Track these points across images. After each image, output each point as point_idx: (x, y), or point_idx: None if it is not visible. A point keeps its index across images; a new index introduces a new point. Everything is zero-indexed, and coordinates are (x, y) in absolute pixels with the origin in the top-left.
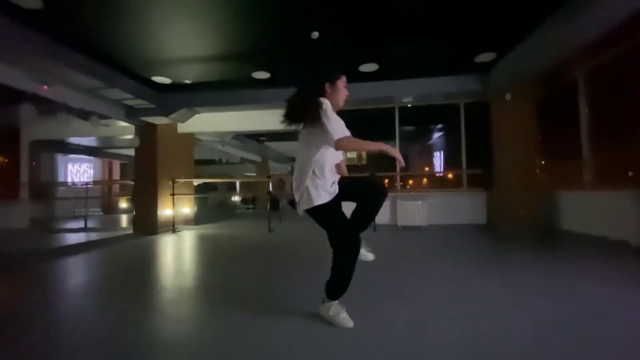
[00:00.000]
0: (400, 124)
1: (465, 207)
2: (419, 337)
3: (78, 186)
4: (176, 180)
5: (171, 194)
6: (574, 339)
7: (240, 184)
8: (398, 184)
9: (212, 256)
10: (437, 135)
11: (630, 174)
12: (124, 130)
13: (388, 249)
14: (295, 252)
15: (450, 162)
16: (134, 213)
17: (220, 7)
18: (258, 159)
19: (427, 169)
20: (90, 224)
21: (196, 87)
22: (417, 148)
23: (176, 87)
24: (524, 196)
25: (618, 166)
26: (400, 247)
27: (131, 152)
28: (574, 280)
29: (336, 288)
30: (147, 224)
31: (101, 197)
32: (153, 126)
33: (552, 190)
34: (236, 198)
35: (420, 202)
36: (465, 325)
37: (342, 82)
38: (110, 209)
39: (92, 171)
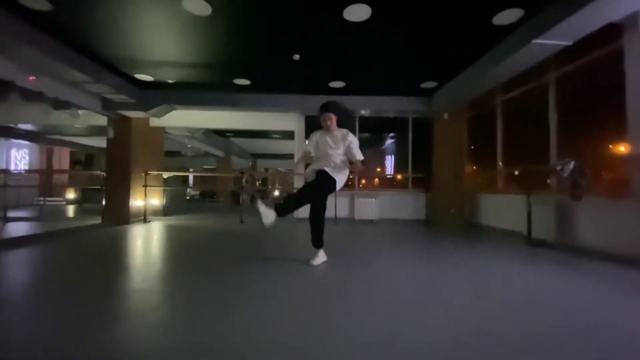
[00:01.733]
0: (360, 131)
1: (409, 205)
2: (374, 286)
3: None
4: (149, 172)
5: (143, 185)
6: (477, 289)
7: (200, 177)
8: (356, 184)
9: (193, 241)
10: (389, 142)
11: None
12: (84, 119)
13: (348, 235)
14: (264, 239)
15: (400, 165)
16: (104, 203)
17: (208, 26)
18: (221, 153)
19: (379, 169)
20: (52, 213)
21: (178, 86)
22: (372, 152)
23: (158, 85)
24: (455, 197)
25: (519, 176)
26: (358, 234)
27: (84, 140)
28: (483, 257)
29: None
30: (119, 214)
31: (64, 185)
32: (127, 119)
33: (475, 192)
34: (193, 191)
35: (373, 199)
36: (403, 279)
37: (322, 117)
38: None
39: (28, 158)
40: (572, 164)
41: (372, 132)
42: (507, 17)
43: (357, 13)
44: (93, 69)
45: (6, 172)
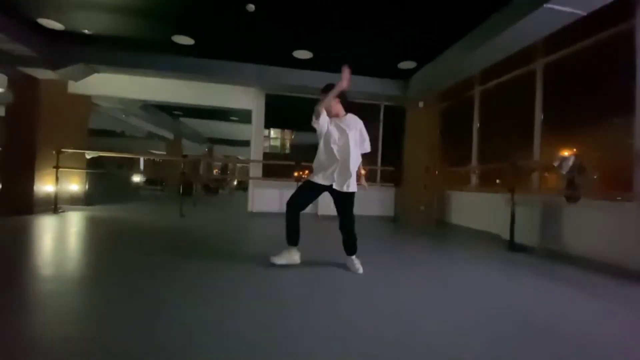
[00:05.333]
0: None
1: (377, 200)
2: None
3: None
4: (62, 150)
5: (54, 167)
6: (447, 291)
7: (146, 162)
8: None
9: (109, 240)
10: None
11: (498, 181)
12: None
13: (312, 232)
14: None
15: (366, 156)
16: None
17: None
18: (170, 135)
19: None
20: None
21: (99, 40)
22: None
23: (71, 37)
24: (425, 193)
25: (495, 174)
26: (321, 231)
27: None
28: (455, 261)
29: None
30: (18, 201)
31: None
32: (34, 80)
33: (446, 189)
34: (138, 178)
35: None
36: (376, 276)
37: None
38: None
39: None
40: (571, 160)
41: None
42: None
43: None
44: None
45: None
